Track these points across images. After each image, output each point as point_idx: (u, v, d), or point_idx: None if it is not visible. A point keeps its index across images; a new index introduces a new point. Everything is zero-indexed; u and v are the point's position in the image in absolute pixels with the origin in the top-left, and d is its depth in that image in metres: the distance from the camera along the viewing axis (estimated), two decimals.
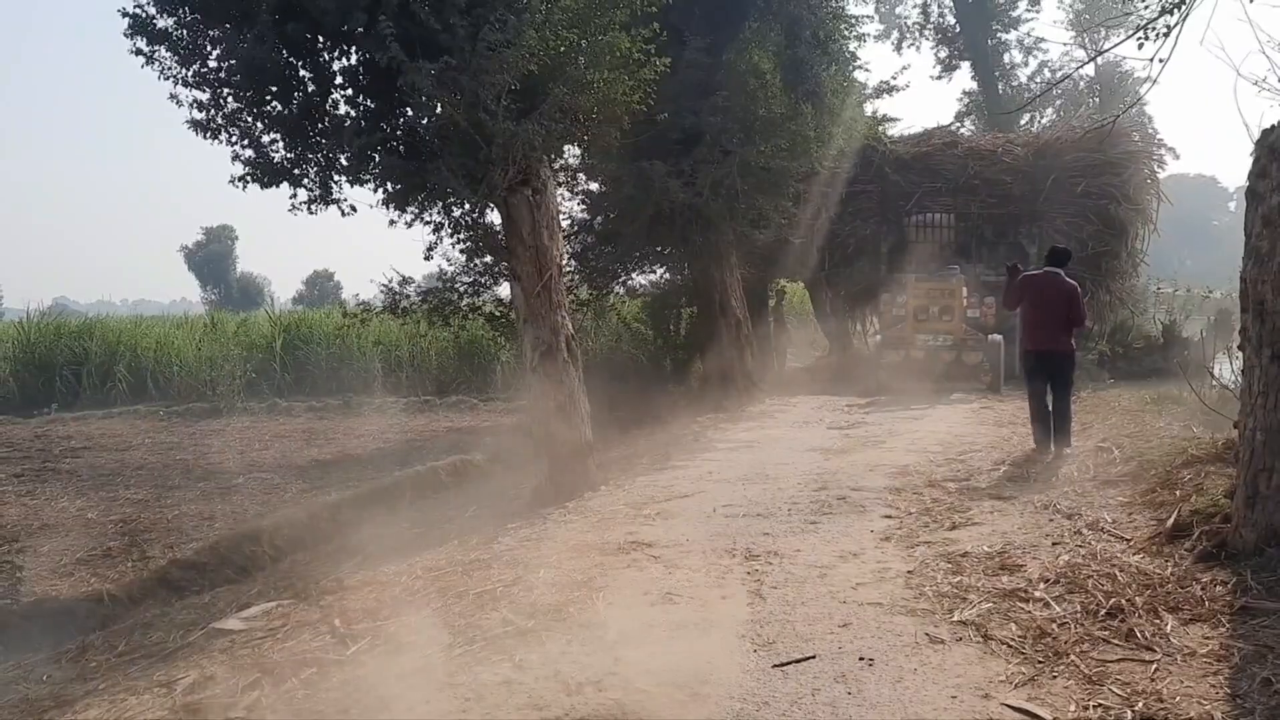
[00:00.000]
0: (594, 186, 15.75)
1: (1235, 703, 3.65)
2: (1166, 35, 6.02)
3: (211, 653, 5.15)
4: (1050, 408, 9.41)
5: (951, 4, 39.20)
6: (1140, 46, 6.28)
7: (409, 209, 9.25)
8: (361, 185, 8.71)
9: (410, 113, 8.34)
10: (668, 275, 18.42)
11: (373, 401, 18.84)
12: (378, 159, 8.36)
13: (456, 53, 7.42)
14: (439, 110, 8.02)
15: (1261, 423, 5.19)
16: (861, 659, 4.36)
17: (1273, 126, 5.17)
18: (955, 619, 4.82)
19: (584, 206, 16.13)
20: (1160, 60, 6.23)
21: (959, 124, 34.13)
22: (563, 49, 8.10)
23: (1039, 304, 9.43)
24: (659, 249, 16.64)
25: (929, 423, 12.33)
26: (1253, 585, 4.73)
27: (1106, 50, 24.95)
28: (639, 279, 17.65)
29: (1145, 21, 6.16)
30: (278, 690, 4.38)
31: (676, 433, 12.43)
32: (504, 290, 12.91)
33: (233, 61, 7.92)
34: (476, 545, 7.01)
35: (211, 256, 76.97)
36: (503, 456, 11.95)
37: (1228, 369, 10.11)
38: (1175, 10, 5.93)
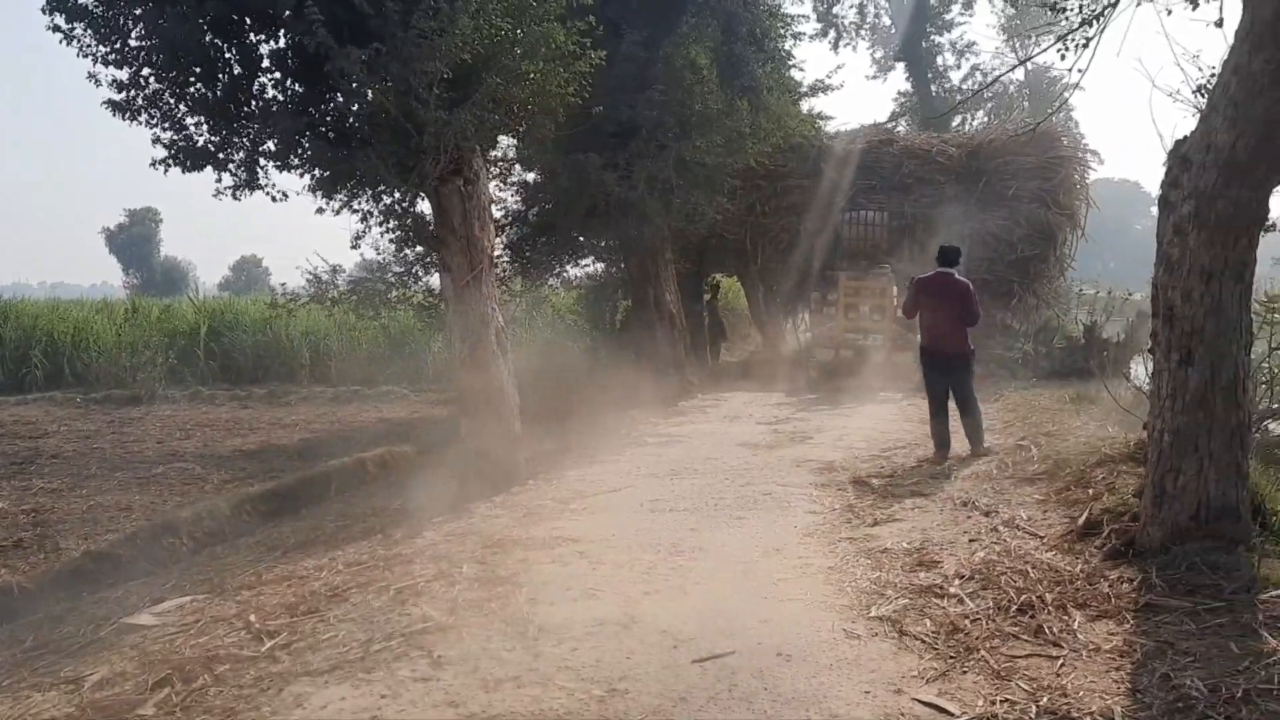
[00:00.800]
0: (529, 177, 15.67)
1: (1135, 698, 3.75)
2: (1085, 46, 6.18)
3: (122, 649, 5.03)
4: (958, 410, 9.43)
5: (888, 5, 39.77)
6: (1062, 57, 6.43)
7: (337, 196, 9.11)
8: (289, 171, 8.55)
9: (340, 99, 8.21)
10: (603, 267, 18.40)
11: (300, 391, 18.52)
12: (306, 144, 8.22)
13: (388, 39, 7.31)
14: (369, 97, 7.90)
15: (1169, 424, 5.35)
16: (779, 654, 4.41)
17: (1184, 137, 5.32)
18: (872, 615, 4.90)
19: (519, 197, 16.04)
20: (1080, 70, 6.40)
21: (894, 124, 34.57)
22: (497, 39, 8.03)
23: (932, 305, 9.50)
24: (594, 241, 16.62)
25: (856, 420, 12.50)
26: (1157, 583, 4.87)
27: (1032, 57, 25.47)
28: (574, 271, 17.63)
29: (1065, 32, 6.32)
30: (189, 688, 4.29)
31: (608, 426, 12.43)
32: (435, 280, 12.79)
33: (154, 40, 7.72)
34: (400, 539, 6.95)
35: (134, 239, 74.94)
36: (432, 448, 11.83)
37: (1144, 370, 10.38)
38: (1094, 22, 6.08)
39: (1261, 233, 5.39)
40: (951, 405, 9.44)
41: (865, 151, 20.49)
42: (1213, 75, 5.93)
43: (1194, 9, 6.22)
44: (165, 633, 5.20)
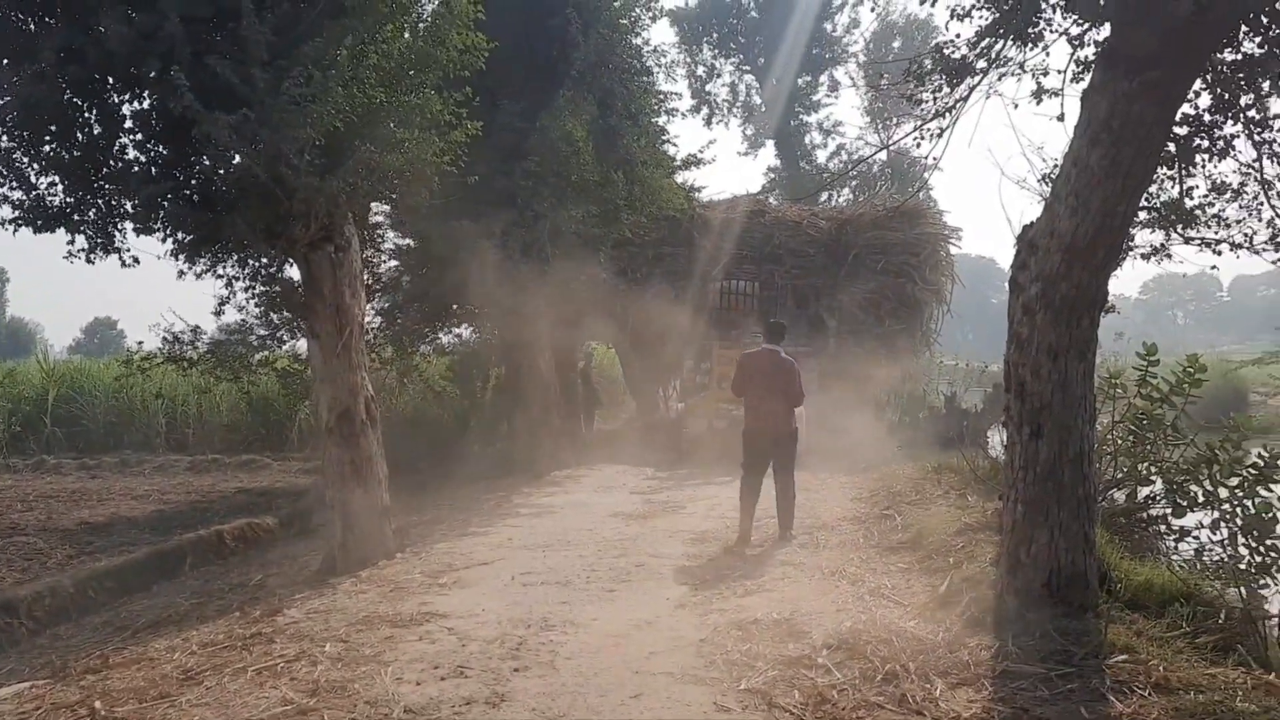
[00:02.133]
0: (403, 243, 15.56)
1: None
2: (939, 136, 6.55)
3: None
4: (776, 489, 9.26)
5: (758, 86, 41.33)
6: (918, 145, 6.81)
7: (201, 260, 8.85)
8: (149, 234, 8.27)
9: (206, 161, 8.00)
10: (476, 334, 18.29)
11: (154, 459, 17.75)
12: (168, 207, 7.96)
13: (256, 105, 7.17)
14: (237, 161, 7.72)
15: (1022, 495, 5.60)
16: None
17: (1031, 223, 5.65)
18: (743, 687, 4.91)
19: (392, 263, 15.89)
20: (934, 159, 6.82)
21: (766, 197, 35.68)
22: (371, 107, 7.97)
23: (758, 382, 9.26)
24: (468, 308, 16.53)
25: (729, 489, 12.58)
26: (1013, 650, 5.03)
27: (894, 143, 26.78)
28: (446, 338, 17.47)
29: (921, 123, 6.70)
30: None
31: (480, 497, 12.26)
32: (301, 344, 12.49)
33: (7, 99, 7.40)
34: (260, 618, 6.66)
35: None
36: (296, 520, 11.48)
37: (1000, 440, 10.80)
38: (947, 114, 6.47)
39: (1102, 314, 5.75)
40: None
41: (737, 221, 20.83)
42: (1056, 166, 6.36)
43: (1038, 103, 6.67)
44: None
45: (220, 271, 9.06)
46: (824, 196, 35.59)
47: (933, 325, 21.39)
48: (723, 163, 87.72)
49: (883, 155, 35.79)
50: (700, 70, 41.46)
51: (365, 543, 8.46)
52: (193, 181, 8.15)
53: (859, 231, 20.70)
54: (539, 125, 14.04)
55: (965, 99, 6.48)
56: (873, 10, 42.72)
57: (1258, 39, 5.82)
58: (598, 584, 7.37)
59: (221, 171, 7.83)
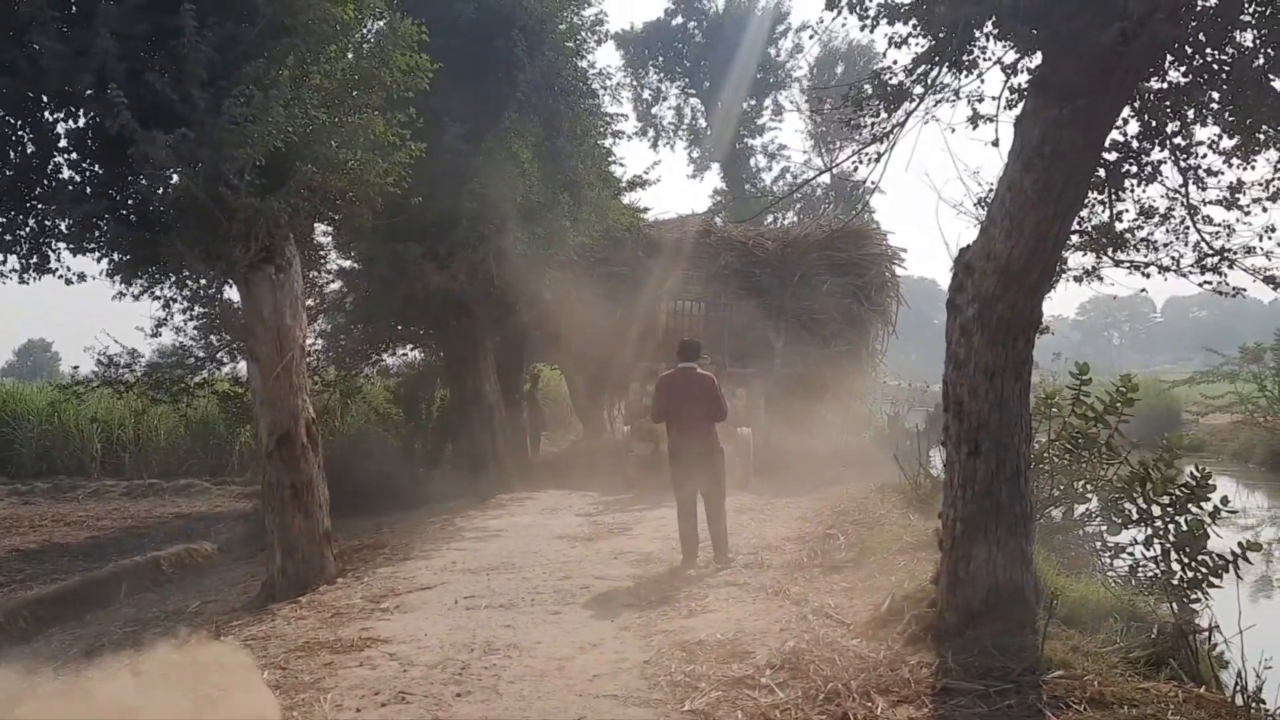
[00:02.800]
0: (347, 264, 15.42)
1: None
2: (877, 160, 6.66)
3: None
4: (706, 514, 9.06)
5: (704, 109, 41.75)
6: (855, 170, 6.92)
7: (138, 281, 8.70)
8: (84, 254, 8.12)
9: (144, 181, 7.87)
10: (420, 356, 18.14)
11: (89, 485, 17.35)
12: (105, 227, 7.83)
13: (195, 125, 7.07)
14: (175, 181, 7.61)
15: (961, 513, 5.67)
16: None
17: (968, 246, 5.76)
18: (686, 708, 4.91)
19: (335, 285, 15.73)
20: (873, 182, 6.94)
21: (712, 217, 35.93)
22: (313, 127, 7.91)
23: (679, 403, 9.02)
24: (412, 330, 16.40)
25: (674, 512, 12.59)
26: (953, 666, 5.08)
27: (834, 168, 27.19)
28: (390, 360, 17.32)
29: (858, 148, 6.81)
30: None
31: (424, 521, 12.13)
32: (241, 367, 12.32)
33: None
34: (195, 646, 6.51)
35: None
36: (234, 546, 11.28)
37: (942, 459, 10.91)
38: (884, 139, 6.58)
39: (1037, 334, 5.87)
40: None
41: (683, 241, 20.81)
42: (991, 191, 6.47)
43: (974, 129, 6.79)
44: None
45: (158, 293, 8.93)
46: (769, 218, 35.93)
47: (878, 345, 21.59)
48: (669, 185, 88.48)
49: (826, 178, 36.29)
50: (646, 93, 41.82)
51: (305, 568, 8.34)
52: (129, 201, 8.03)
53: (805, 252, 20.80)
54: (484, 147, 13.99)
55: (902, 124, 6.59)
56: (812, 37, 43.18)
57: (1182, 69, 5.99)
58: (542, 607, 7.33)
59: (159, 191, 7.73)
